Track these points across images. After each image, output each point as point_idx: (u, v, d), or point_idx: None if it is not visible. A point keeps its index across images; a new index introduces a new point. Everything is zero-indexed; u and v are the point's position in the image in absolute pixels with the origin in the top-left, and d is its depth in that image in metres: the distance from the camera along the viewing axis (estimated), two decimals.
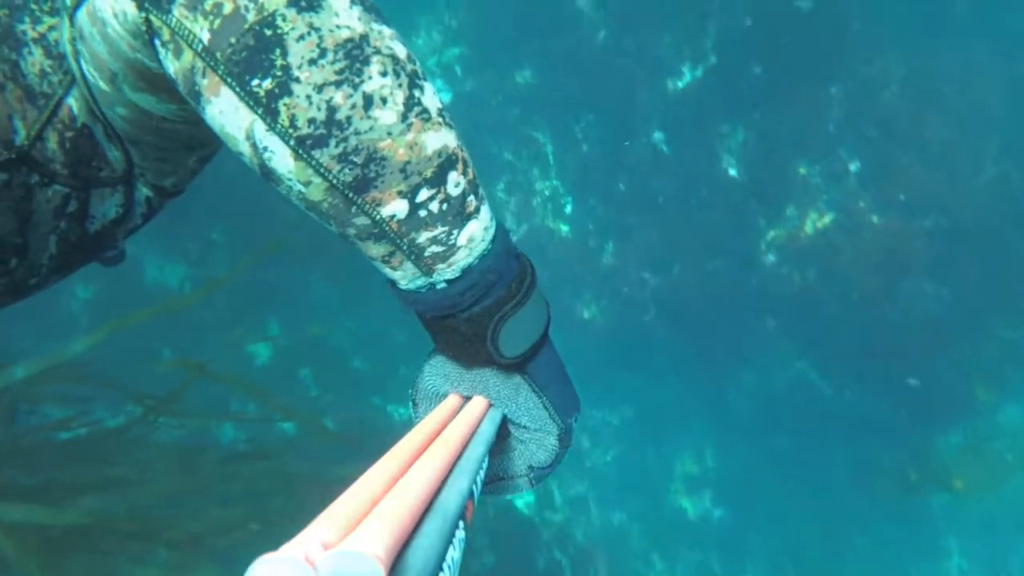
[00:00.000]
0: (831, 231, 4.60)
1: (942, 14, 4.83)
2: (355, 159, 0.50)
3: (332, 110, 0.49)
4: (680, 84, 4.96)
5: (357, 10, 0.50)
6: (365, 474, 0.43)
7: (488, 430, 0.59)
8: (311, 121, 0.49)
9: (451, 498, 0.44)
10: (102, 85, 0.62)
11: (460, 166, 0.55)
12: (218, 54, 0.48)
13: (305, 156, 0.50)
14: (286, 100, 0.48)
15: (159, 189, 0.78)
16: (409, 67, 0.53)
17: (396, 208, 0.53)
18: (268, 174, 0.53)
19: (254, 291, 4.89)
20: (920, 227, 4.39)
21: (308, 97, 0.48)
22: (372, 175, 0.51)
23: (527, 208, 4.84)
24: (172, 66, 0.51)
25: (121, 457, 2.76)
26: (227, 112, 0.50)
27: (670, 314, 4.76)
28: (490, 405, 0.64)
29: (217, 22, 0.48)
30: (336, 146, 0.50)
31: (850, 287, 4.52)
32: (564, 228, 4.89)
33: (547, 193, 4.91)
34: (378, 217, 0.53)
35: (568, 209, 4.90)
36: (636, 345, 4.85)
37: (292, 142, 0.50)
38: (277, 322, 5.08)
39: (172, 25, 0.48)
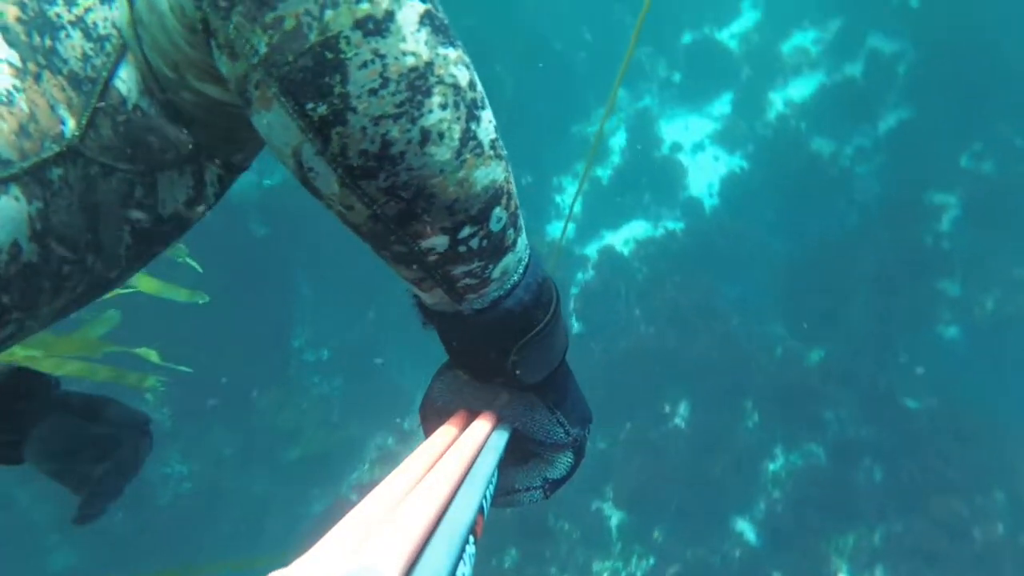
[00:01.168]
0: None
1: None
2: (403, 194, 0.49)
3: (387, 144, 0.47)
4: (772, 466, 4.29)
5: (424, 33, 0.47)
6: (375, 490, 0.42)
7: (497, 444, 0.58)
8: (363, 153, 0.47)
9: (461, 513, 0.43)
10: (166, 71, 0.60)
11: (504, 199, 0.54)
12: (274, 70, 0.46)
13: (351, 185, 0.49)
14: (340, 129, 0.46)
15: (229, 165, 0.74)
16: (469, 96, 0.51)
17: (436, 243, 0.52)
18: (311, 190, 0.52)
19: None
20: None
21: (363, 129, 0.46)
22: (418, 211, 0.50)
23: None
24: (225, 68, 0.49)
25: None
26: (276, 127, 0.49)
27: None
28: (499, 419, 0.63)
29: (276, 37, 0.45)
30: (385, 180, 0.48)
31: None
32: None
33: None
34: (416, 249, 0.52)
35: None
36: None
37: (340, 170, 0.48)
38: None
39: (229, 31, 0.47)
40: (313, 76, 0.45)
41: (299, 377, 4.87)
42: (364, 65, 0.45)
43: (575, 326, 5.28)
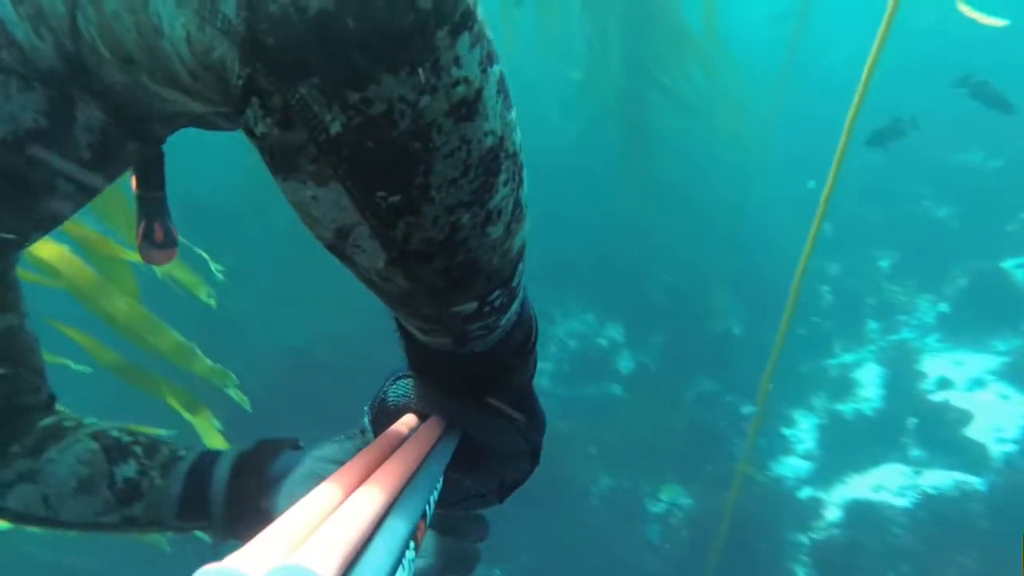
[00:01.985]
0: None
1: None
2: (453, 273, 0.45)
3: (455, 231, 0.43)
4: None
5: (500, 103, 0.42)
6: (316, 489, 0.41)
7: (445, 449, 0.57)
8: (428, 241, 0.42)
9: (404, 517, 0.42)
10: (103, 51, 0.49)
11: (525, 253, 0.52)
12: (345, 152, 0.38)
13: (402, 266, 0.44)
14: (410, 219, 0.41)
15: (122, 119, 0.59)
16: (519, 160, 0.46)
17: (466, 308, 0.49)
18: (343, 259, 0.46)
19: None
20: None
21: (436, 219, 0.42)
22: (462, 286, 0.47)
23: None
24: (265, 129, 0.39)
25: None
26: (325, 203, 0.41)
27: None
28: (451, 425, 0.61)
29: (358, 120, 0.37)
30: (441, 263, 0.44)
31: None
32: None
33: None
34: (444, 313, 0.49)
35: None
36: None
37: (396, 253, 0.43)
38: None
39: (290, 101, 0.37)
40: (393, 167, 0.39)
41: None
42: (451, 154, 0.40)
43: None
